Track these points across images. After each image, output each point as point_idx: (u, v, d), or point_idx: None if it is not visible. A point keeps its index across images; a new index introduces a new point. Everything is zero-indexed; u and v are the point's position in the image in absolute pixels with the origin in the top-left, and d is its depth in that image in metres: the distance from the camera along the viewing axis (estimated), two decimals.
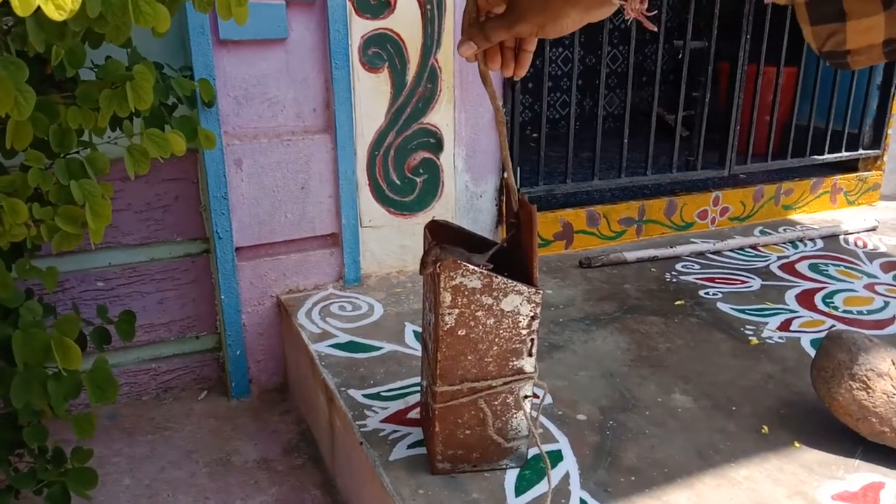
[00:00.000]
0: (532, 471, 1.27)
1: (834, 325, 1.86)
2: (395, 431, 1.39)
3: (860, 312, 1.95)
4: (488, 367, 1.18)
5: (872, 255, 2.39)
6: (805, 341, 1.78)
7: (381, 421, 1.43)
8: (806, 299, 2.03)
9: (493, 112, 0.96)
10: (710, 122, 2.59)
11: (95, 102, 1.07)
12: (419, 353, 1.54)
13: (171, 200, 1.88)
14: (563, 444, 1.36)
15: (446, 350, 1.16)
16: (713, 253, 2.39)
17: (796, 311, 1.95)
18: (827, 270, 2.26)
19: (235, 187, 1.83)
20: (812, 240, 2.54)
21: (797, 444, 1.37)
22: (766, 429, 1.42)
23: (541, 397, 1.34)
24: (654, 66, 3.89)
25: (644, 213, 2.48)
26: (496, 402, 1.21)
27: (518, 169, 2.25)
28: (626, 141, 2.43)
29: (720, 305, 1.98)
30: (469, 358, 1.17)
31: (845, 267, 2.29)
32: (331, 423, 1.59)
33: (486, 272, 1.13)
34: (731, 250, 2.42)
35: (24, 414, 1.15)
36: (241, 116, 1.82)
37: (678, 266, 2.28)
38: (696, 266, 2.28)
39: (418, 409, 1.43)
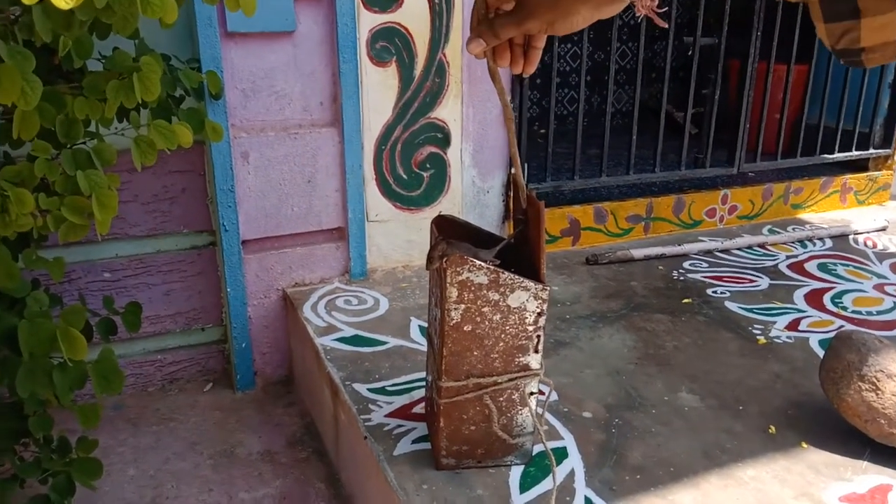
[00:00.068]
0: (537, 468, 1.26)
1: (843, 326, 1.85)
2: (400, 426, 1.39)
3: (869, 313, 1.93)
4: (494, 363, 1.18)
5: (882, 256, 2.37)
6: (813, 341, 1.77)
7: (386, 415, 1.42)
8: (814, 299, 2.02)
9: (502, 108, 0.96)
10: (720, 119, 2.57)
11: (102, 93, 1.07)
12: (424, 348, 1.54)
13: (178, 192, 1.88)
14: (568, 441, 1.35)
15: (452, 345, 1.15)
16: (721, 251, 2.38)
17: (805, 311, 1.94)
18: (836, 270, 2.24)
19: (242, 180, 1.83)
20: (821, 239, 2.52)
21: (805, 445, 1.36)
22: (773, 429, 1.41)
23: (546, 394, 1.33)
24: (662, 62, 3.87)
25: (652, 211, 2.47)
26: (501, 399, 1.20)
27: (525, 165, 2.24)
28: (634, 138, 2.41)
29: (728, 304, 1.97)
30: (475, 354, 1.17)
31: (854, 267, 2.27)
32: (335, 416, 1.59)
33: (492, 268, 1.12)
34: (740, 249, 2.41)
35: (30, 404, 1.15)
36: (248, 109, 1.82)
37: (686, 264, 2.26)
38: (704, 264, 2.27)
39: (423, 404, 1.43)
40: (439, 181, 2.08)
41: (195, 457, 1.68)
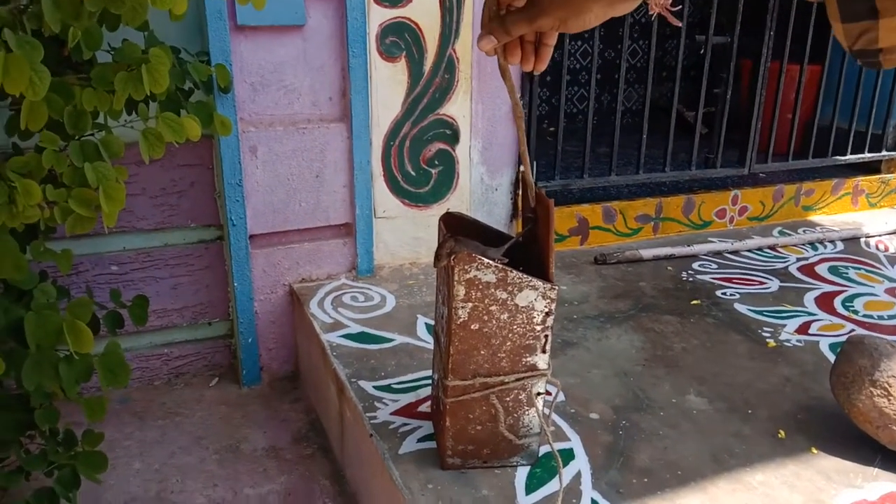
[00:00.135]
0: (543, 469, 1.25)
1: (854, 330, 1.83)
2: (406, 424, 1.38)
3: (881, 317, 1.91)
4: (501, 362, 1.17)
5: (894, 259, 2.35)
6: (824, 345, 1.75)
7: (392, 413, 1.42)
8: (825, 302, 2.00)
9: (511, 106, 0.95)
10: (731, 119, 2.55)
11: (111, 84, 1.06)
12: (431, 346, 1.52)
13: (186, 186, 1.87)
14: (575, 442, 1.34)
15: (459, 344, 1.15)
16: (731, 253, 2.36)
17: (815, 314, 1.92)
18: (847, 273, 2.22)
19: (250, 174, 1.82)
20: (832, 242, 2.50)
21: (814, 451, 1.35)
22: (782, 433, 1.39)
23: (553, 395, 1.32)
24: (673, 61, 3.85)
25: (661, 211, 2.45)
26: (508, 399, 1.19)
27: (534, 163, 2.23)
28: (644, 137, 2.39)
29: (737, 306, 1.95)
30: (482, 353, 1.16)
31: (866, 270, 2.25)
32: (341, 413, 1.58)
33: (501, 266, 1.11)
34: (750, 250, 2.39)
35: (36, 396, 1.15)
36: (256, 103, 1.81)
37: (695, 265, 2.25)
38: (714, 265, 2.25)
39: (429, 403, 1.42)
40: (447, 178, 2.07)
41: (200, 451, 1.68)
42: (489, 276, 1.11)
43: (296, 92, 1.85)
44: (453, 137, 2.03)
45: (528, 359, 1.17)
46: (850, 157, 2.84)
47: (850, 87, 2.75)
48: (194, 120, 1.21)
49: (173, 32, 1.66)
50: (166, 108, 1.35)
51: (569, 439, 1.35)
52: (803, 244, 2.46)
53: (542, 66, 0.84)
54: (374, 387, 1.51)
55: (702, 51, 2.50)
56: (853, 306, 1.97)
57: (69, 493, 1.15)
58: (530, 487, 1.21)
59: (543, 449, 1.27)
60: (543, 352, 1.17)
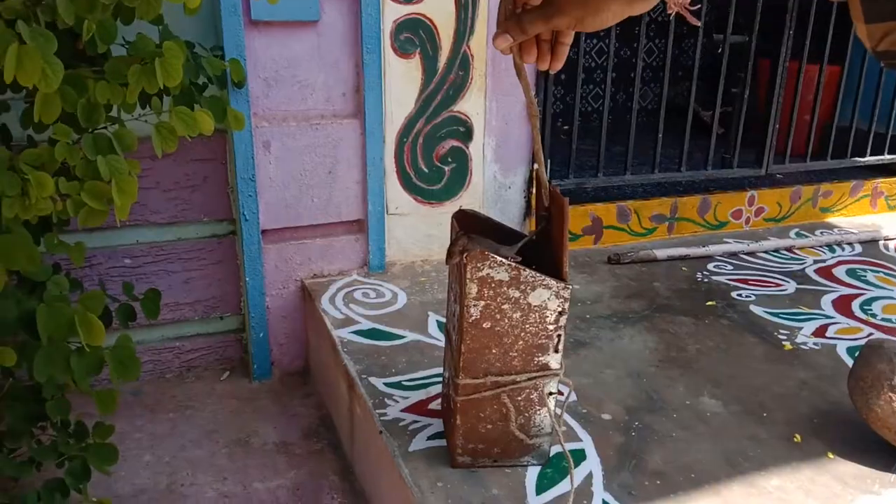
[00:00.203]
0: (554, 469, 1.24)
1: (872, 334, 1.80)
2: (416, 422, 1.37)
3: None
4: (513, 361, 1.16)
5: None
6: (841, 349, 1.72)
7: (402, 410, 1.41)
8: (843, 305, 1.97)
9: (526, 104, 0.93)
10: (748, 119, 2.52)
11: (124, 78, 1.06)
12: (442, 344, 1.52)
13: (199, 181, 1.87)
14: (586, 443, 1.32)
15: (470, 342, 1.13)
16: (747, 254, 2.33)
17: (832, 317, 1.89)
18: (865, 276, 2.18)
19: (263, 170, 1.82)
20: (850, 244, 2.46)
21: (831, 455, 1.32)
22: (798, 437, 1.37)
23: (565, 395, 1.31)
24: (690, 60, 3.81)
25: (676, 211, 2.43)
26: (520, 398, 1.18)
27: (548, 161, 2.21)
28: (660, 136, 2.37)
29: (753, 308, 1.92)
30: (493, 351, 1.15)
31: (885, 273, 2.21)
32: (351, 409, 1.58)
33: (514, 264, 1.10)
34: (766, 252, 2.36)
35: (48, 388, 1.15)
36: (270, 98, 1.81)
37: (710, 266, 2.22)
38: (729, 267, 2.22)
39: (439, 401, 1.41)
40: (460, 176, 2.06)
41: (211, 445, 1.68)
42: (502, 274, 1.10)
43: (309, 87, 1.84)
44: (467, 135, 2.02)
45: (541, 358, 1.16)
46: (870, 159, 2.79)
47: (870, 88, 2.71)
48: (207, 114, 1.20)
49: (188, 27, 1.66)
50: (180, 103, 1.35)
51: (580, 440, 1.34)
52: (820, 246, 2.43)
53: (558, 66, 0.83)
54: (385, 383, 1.50)
55: (719, 50, 2.46)
56: (871, 310, 1.94)
57: (79, 484, 1.15)
58: (541, 488, 1.20)
59: (555, 449, 1.26)
60: (556, 351, 1.16)
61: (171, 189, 1.85)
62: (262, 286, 1.90)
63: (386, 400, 1.44)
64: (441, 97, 1.96)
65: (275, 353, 1.98)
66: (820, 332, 1.81)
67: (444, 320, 1.75)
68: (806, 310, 1.93)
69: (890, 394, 1.27)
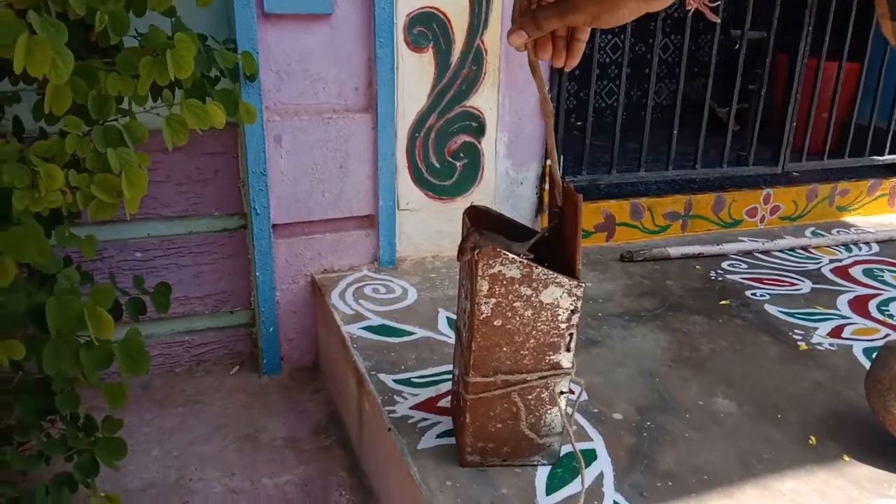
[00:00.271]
0: (564, 469, 1.23)
1: (889, 335, 1.77)
2: (425, 419, 1.36)
3: None
4: (524, 359, 1.14)
5: None
6: (857, 349, 1.70)
7: (411, 408, 1.40)
8: (859, 306, 1.94)
9: (540, 102, 0.92)
10: (764, 116, 2.48)
11: (135, 70, 1.05)
12: (452, 341, 1.50)
13: (210, 174, 1.87)
14: (597, 443, 1.31)
15: (481, 340, 1.12)
16: (762, 252, 2.30)
17: (849, 318, 1.86)
18: (882, 277, 2.15)
19: (274, 164, 1.82)
20: (867, 244, 2.43)
21: (846, 458, 1.30)
22: (813, 440, 1.35)
23: (577, 394, 1.29)
24: (706, 56, 3.77)
25: (690, 208, 2.40)
26: (530, 397, 1.17)
27: (561, 157, 2.19)
28: (675, 132, 2.34)
29: (768, 307, 1.90)
30: (504, 349, 1.13)
31: None
32: (360, 406, 1.57)
33: (526, 261, 1.09)
34: (781, 251, 2.33)
35: (58, 381, 1.15)
36: (282, 92, 1.80)
37: (724, 264, 2.19)
38: (744, 265, 2.20)
39: (449, 398, 1.40)
40: (472, 171, 2.04)
41: (219, 440, 1.68)
42: (514, 271, 1.08)
43: (321, 81, 1.83)
44: (479, 130, 2.00)
45: (552, 357, 1.15)
46: (888, 157, 2.76)
47: (889, 86, 2.67)
48: (219, 107, 1.19)
49: (201, 19, 1.65)
50: (192, 96, 1.34)
51: (591, 439, 1.32)
52: (837, 245, 2.40)
53: (574, 63, 0.81)
54: (394, 380, 1.49)
55: (737, 46, 2.43)
56: (888, 310, 1.91)
57: (88, 478, 1.15)
58: (551, 488, 1.19)
59: (565, 449, 1.25)
60: (568, 350, 1.15)
61: (183, 182, 1.85)
62: (273, 281, 1.89)
63: (395, 397, 1.43)
64: (454, 92, 1.94)
65: (284, 348, 1.98)
66: (836, 332, 1.78)
67: (454, 317, 1.74)
68: (821, 310, 1.90)
69: None
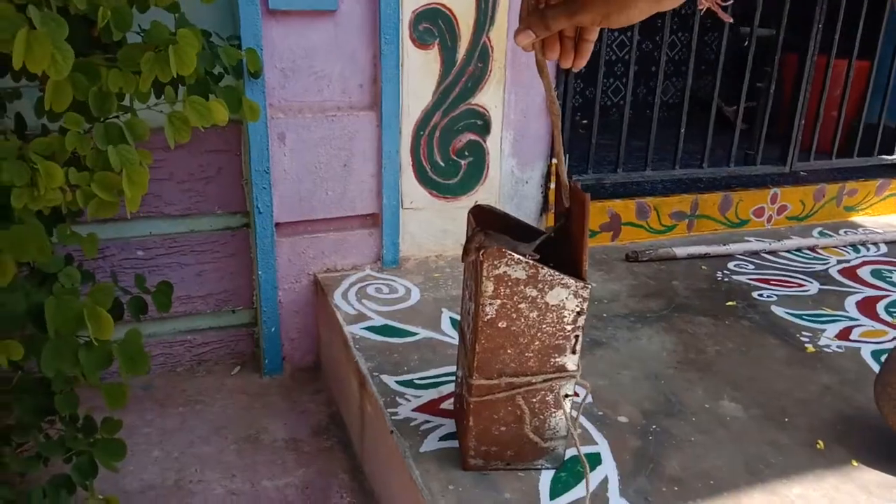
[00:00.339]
0: (568, 473, 1.21)
1: None
2: (427, 422, 1.34)
3: None
4: (529, 362, 1.13)
5: None
6: (866, 352, 1.68)
7: (413, 410, 1.38)
8: (867, 307, 1.92)
9: (548, 102, 0.90)
10: (772, 115, 2.46)
11: (137, 66, 1.04)
12: (455, 342, 1.49)
13: (213, 172, 1.86)
14: (602, 447, 1.29)
15: (485, 342, 1.11)
16: (768, 253, 2.28)
17: (857, 320, 1.84)
18: (891, 278, 2.13)
19: (278, 162, 1.80)
20: (875, 244, 2.40)
21: (855, 463, 1.28)
22: (821, 444, 1.33)
23: (582, 397, 1.28)
24: (712, 54, 3.74)
25: (697, 208, 2.38)
26: (535, 400, 1.15)
27: (567, 156, 2.17)
28: (682, 131, 2.32)
29: (775, 309, 1.88)
30: (509, 352, 1.12)
31: None
32: (361, 407, 1.55)
33: (531, 262, 1.07)
34: (788, 251, 2.31)
35: (57, 381, 1.14)
36: (286, 89, 1.78)
37: (731, 265, 2.17)
38: (750, 266, 2.17)
39: (452, 400, 1.39)
40: (477, 170, 2.02)
41: (220, 441, 1.67)
42: (519, 272, 1.07)
43: (326, 78, 1.82)
44: (484, 128, 1.99)
45: (557, 359, 1.13)
46: None
47: None
48: (222, 104, 1.18)
49: (205, 15, 1.64)
50: (195, 93, 1.32)
51: (596, 443, 1.30)
52: (844, 246, 2.37)
53: (582, 63, 0.79)
54: (397, 381, 1.47)
55: (745, 43, 2.40)
56: None
57: (86, 481, 1.14)
58: (555, 492, 1.17)
59: (569, 452, 1.23)
60: (573, 352, 1.13)
61: (185, 180, 1.83)
62: (275, 280, 1.88)
63: (397, 398, 1.42)
64: (459, 89, 1.92)
65: (286, 347, 1.96)
66: (844, 334, 1.76)
67: (457, 317, 1.73)
68: (829, 311, 1.88)
69: None
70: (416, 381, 1.48)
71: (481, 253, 1.06)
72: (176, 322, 1.94)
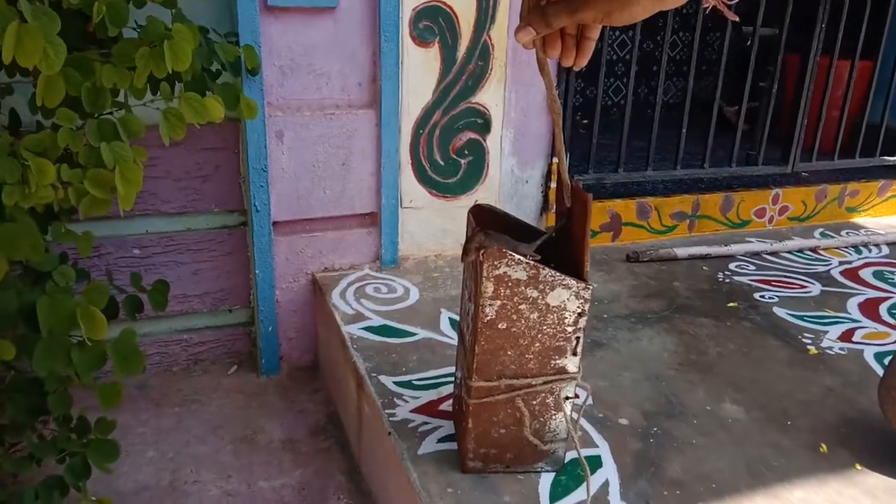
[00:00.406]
0: (568, 476, 1.19)
1: None
2: (426, 423, 1.33)
3: None
4: (529, 364, 1.11)
5: None
6: (868, 354, 1.66)
7: (412, 411, 1.37)
8: (870, 309, 1.90)
9: (549, 101, 0.89)
10: (774, 115, 2.44)
11: (132, 61, 1.02)
12: (454, 342, 1.47)
13: (211, 170, 1.84)
14: (603, 449, 1.28)
15: (485, 343, 1.09)
16: (770, 254, 2.26)
17: (859, 321, 1.83)
18: (893, 279, 2.11)
19: (276, 160, 1.78)
20: (877, 245, 2.39)
21: (859, 467, 1.27)
22: (824, 447, 1.32)
23: (583, 399, 1.26)
24: (713, 53, 3.73)
25: (698, 208, 2.36)
26: (535, 402, 1.13)
27: (567, 155, 2.15)
28: (684, 131, 2.30)
29: (776, 310, 1.86)
30: (508, 353, 1.10)
31: None
32: (359, 408, 1.54)
33: (532, 263, 1.05)
34: (790, 252, 2.29)
35: (50, 381, 1.12)
36: (285, 87, 1.77)
37: (732, 266, 2.16)
38: (752, 267, 2.16)
39: (451, 402, 1.37)
40: (477, 169, 2.01)
41: (216, 441, 1.65)
42: (520, 273, 1.05)
43: (325, 76, 1.80)
44: (485, 127, 1.97)
45: (558, 361, 1.11)
46: None
47: None
48: (217, 101, 1.16)
49: (202, 11, 1.62)
50: (191, 89, 1.31)
51: (596, 446, 1.29)
52: (846, 247, 2.36)
53: (584, 62, 0.78)
54: (395, 382, 1.46)
55: (748, 42, 2.39)
56: None
57: (79, 482, 1.12)
58: (555, 496, 1.15)
59: (570, 455, 1.21)
60: (574, 354, 1.11)
61: (182, 178, 1.82)
62: (273, 279, 1.86)
63: (395, 399, 1.40)
64: (459, 88, 1.91)
65: (283, 347, 1.95)
66: (846, 336, 1.75)
67: (457, 318, 1.71)
68: (831, 313, 1.87)
69: None
70: (415, 382, 1.46)
71: (481, 253, 1.04)
72: (172, 321, 1.92)
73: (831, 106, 2.58)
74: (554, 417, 1.15)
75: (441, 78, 1.88)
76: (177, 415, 1.74)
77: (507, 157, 2.04)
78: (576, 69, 0.80)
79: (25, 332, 1.05)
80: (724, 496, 1.18)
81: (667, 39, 2.22)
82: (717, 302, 1.90)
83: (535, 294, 1.07)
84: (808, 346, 1.69)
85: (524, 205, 2.12)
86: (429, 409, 1.37)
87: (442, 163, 1.96)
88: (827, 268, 2.19)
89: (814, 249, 2.32)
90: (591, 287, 1.08)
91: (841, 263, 2.23)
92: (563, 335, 1.10)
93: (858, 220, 2.64)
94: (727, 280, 2.05)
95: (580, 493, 1.15)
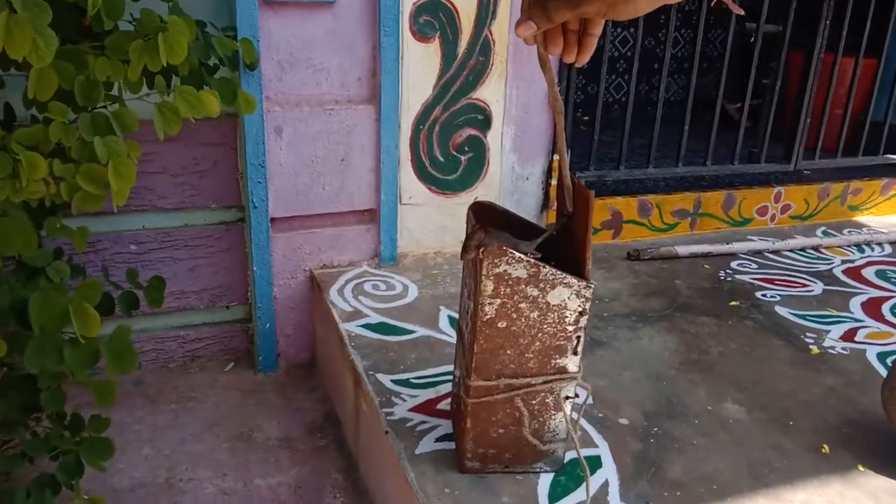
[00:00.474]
0: (568, 477, 1.18)
1: None
2: (424, 422, 1.31)
3: None
4: (528, 363, 1.09)
5: None
6: (871, 354, 1.65)
7: (410, 410, 1.35)
8: (872, 308, 1.89)
9: (550, 98, 0.88)
10: (776, 113, 2.42)
11: (126, 54, 1.00)
12: (453, 340, 1.46)
13: (208, 166, 1.82)
14: (602, 449, 1.26)
15: (484, 342, 1.07)
16: (772, 252, 2.25)
17: (862, 321, 1.81)
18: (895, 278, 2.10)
19: (274, 155, 1.77)
20: (880, 244, 2.37)
21: (861, 468, 1.26)
22: (826, 448, 1.30)
23: (583, 399, 1.25)
24: (715, 50, 3.70)
25: (700, 206, 2.35)
26: (534, 402, 1.12)
27: (569, 152, 2.13)
28: (686, 128, 2.29)
29: (778, 309, 1.85)
30: (508, 352, 1.09)
31: None
32: (356, 406, 1.52)
33: (533, 261, 1.04)
34: (792, 251, 2.27)
35: (43, 378, 1.11)
36: (283, 82, 1.75)
37: (734, 264, 2.14)
38: (753, 265, 2.14)
39: (449, 401, 1.36)
40: (477, 165, 1.99)
41: (212, 439, 1.64)
42: (520, 271, 1.04)
43: (324, 71, 1.78)
44: (485, 123, 1.95)
45: (558, 360, 1.10)
46: None
47: None
48: (213, 95, 1.15)
49: (200, 5, 1.60)
50: (188, 84, 1.29)
51: (596, 446, 1.28)
52: (849, 246, 2.34)
53: (586, 58, 0.76)
54: (393, 380, 1.44)
55: (751, 39, 2.37)
56: None
57: (71, 480, 1.11)
58: (554, 496, 1.14)
59: (569, 455, 1.20)
60: (575, 353, 1.10)
61: (179, 174, 1.80)
62: (270, 276, 1.85)
63: (393, 398, 1.39)
64: (460, 83, 1.89)
65: (281, 344, 1.93)
66: (849, 336, 1.73)
67: (456, 316, 1.69)
68: (834, 312, 1.85)
69: None
70: (413, 381, 1.45)
71: (481, 251, 1.03)
72: (169, 317, 1.90)
73: (834, 103, 2.56)
74: (553, 417, 1.14)
75: (441, 73, 1.86)
76: (173, 412, 1.72)
77: (508, 153, 2.02)
78: (578, 66, 0.78)
79: (17, 330, 1.03)
80: (726, 497, 1.17)
81: (669, 36, 2.20)
82: (718, 301, 1.89)
83: (536, 292, 1.05)
84: (811, 346, 1.67)
85: (524, 202, 2.10)
86: (427, 407, 1.36)
87: (442, 159, 1.95)
88: (829, 267, 2.17)
89: (816, 248, 2.31)
90: (592, 286, 1.06)
91: (843, 262, 2.21)
92: (563, 334, 1.08)
93: (861, 218, 2.62)
94: (729, 279, 2.04)
95: (580, 494, 1.14)
